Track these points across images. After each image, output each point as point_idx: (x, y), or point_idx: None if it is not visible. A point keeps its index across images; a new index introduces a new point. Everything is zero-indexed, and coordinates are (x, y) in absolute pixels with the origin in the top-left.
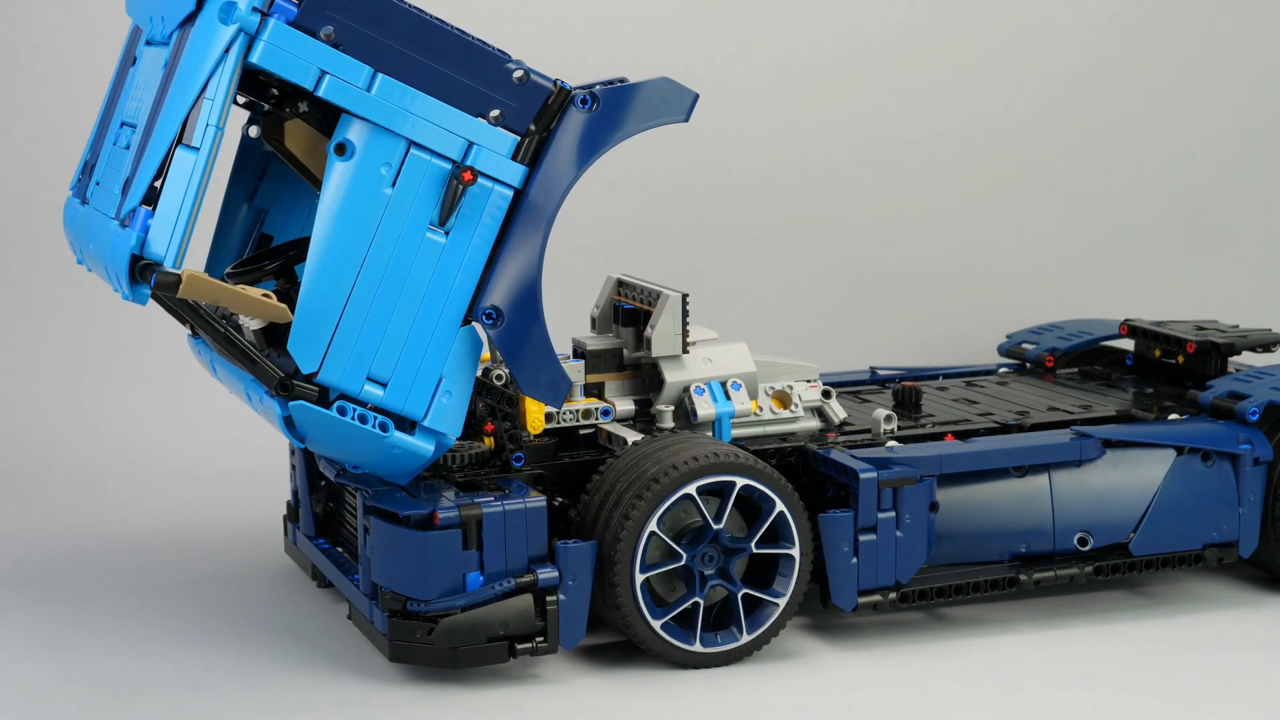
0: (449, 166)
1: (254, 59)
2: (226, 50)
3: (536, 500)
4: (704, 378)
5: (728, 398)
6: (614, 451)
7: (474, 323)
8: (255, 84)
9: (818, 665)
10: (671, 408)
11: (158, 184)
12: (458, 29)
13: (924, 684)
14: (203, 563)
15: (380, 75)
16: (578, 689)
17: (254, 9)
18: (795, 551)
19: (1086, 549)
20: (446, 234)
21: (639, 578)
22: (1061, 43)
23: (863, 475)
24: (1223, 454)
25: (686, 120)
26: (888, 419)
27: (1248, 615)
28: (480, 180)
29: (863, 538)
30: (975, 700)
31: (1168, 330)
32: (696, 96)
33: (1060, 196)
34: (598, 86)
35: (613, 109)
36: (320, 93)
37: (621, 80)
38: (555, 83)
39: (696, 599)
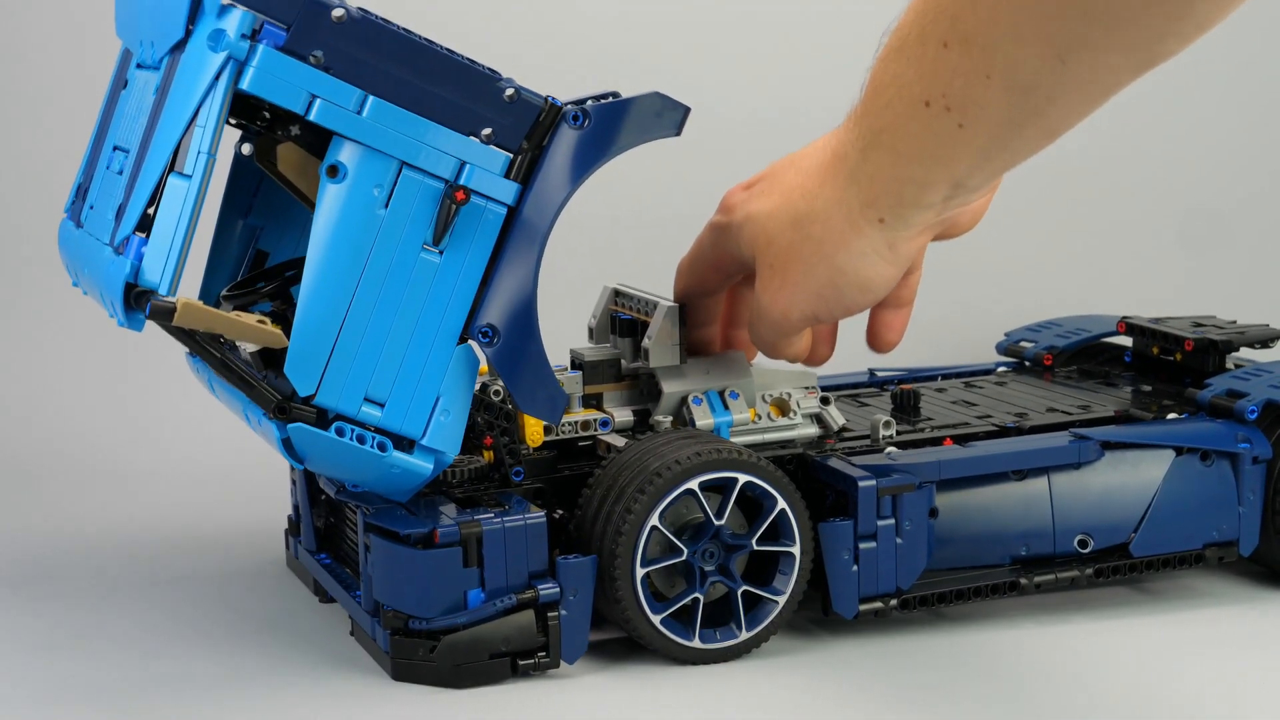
0: (441, 186)
1: (244, 85)
2: (216, 77)
3: (536, 516)
4: (702, 387)
5: (726, 407)
6: None
7: (470, 341)
8: (246, 107)
9: (817, 662)
10: (670, 418)
11: (151, 211)
12: (447, 49)
13: (924, 680)
14: (205, 574)
15: (370, 97)
16: (578, 685)
17: (243, 35)
18: (796, 550)
19: (1087, 551)
20: (440, 253)
21: (639, 572)
22: None
23: (862, 483)
24: (1222, 453)
25: (678, 134)
26: (886, 425)
27: (1249, 611)
28: (473, 199)
29: (863, 545)
30: (975, 696)
31: (1166, 327)
32: (688, 110)
33: (1058, 193)
34: (589, 102)
35: (604, 125)
36: (311, 116)
37: (614, 95)
38: (546, 100)
39: (696, 595)
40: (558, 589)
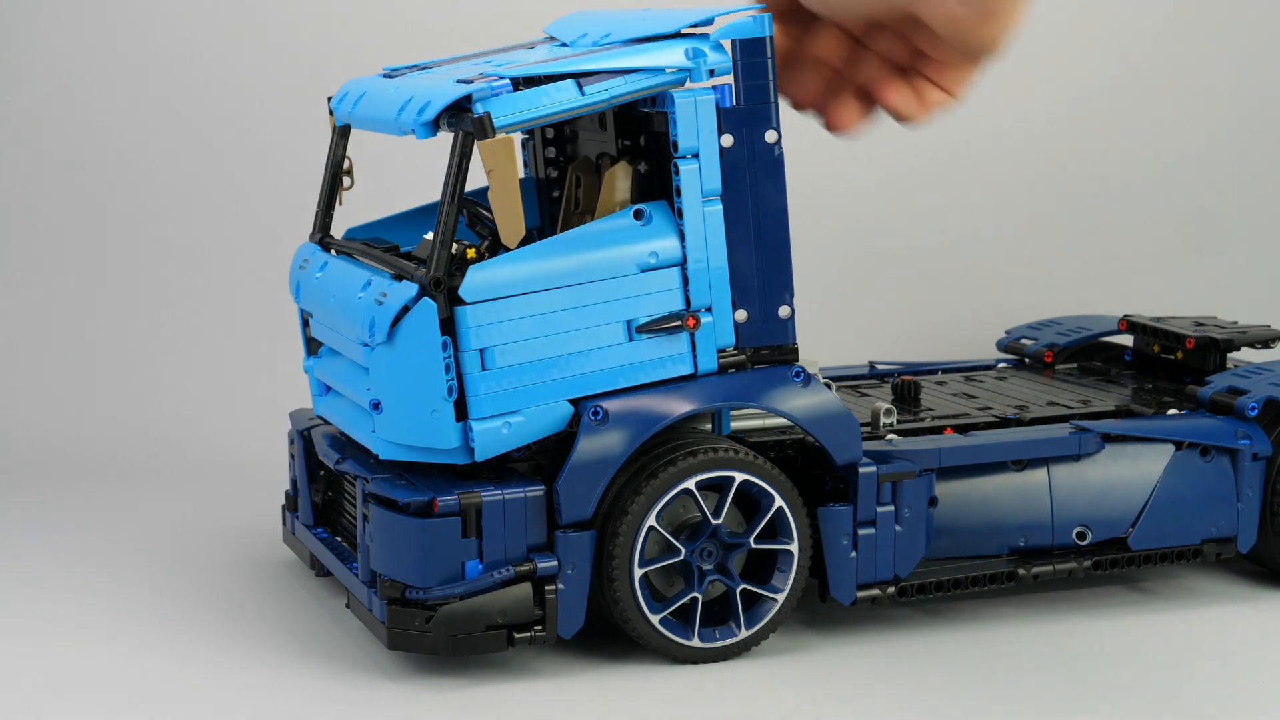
0: (683, 307)
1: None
2: (667, 70)
3: (536, 489)
4: None
5: None
6: None
7: (580, 408)
8: (633, 120)
9: (816, 661)
10: None
11: (523, 81)
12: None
13: (922, 679)
14: (200, 553)
15: (718, 200)
16: (576, 683)
17: (710, 71)
18: (794, 547)
19: (1085, 543)
20: (630, 338)
21: (638, 572)
22: (1063, 43)
23: (862, 469)
24: (1221, 449)
25: None
26: (887, 412)
27: (1245, 611)
28: (697, 334)
29: (862, 531)
30: (972, 695)
31: (1167, 326)
32: None
33: (1060, 193)
34: None
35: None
36: (678, 159)
37: None
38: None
39: (695, 594)
40: (556, 563)
